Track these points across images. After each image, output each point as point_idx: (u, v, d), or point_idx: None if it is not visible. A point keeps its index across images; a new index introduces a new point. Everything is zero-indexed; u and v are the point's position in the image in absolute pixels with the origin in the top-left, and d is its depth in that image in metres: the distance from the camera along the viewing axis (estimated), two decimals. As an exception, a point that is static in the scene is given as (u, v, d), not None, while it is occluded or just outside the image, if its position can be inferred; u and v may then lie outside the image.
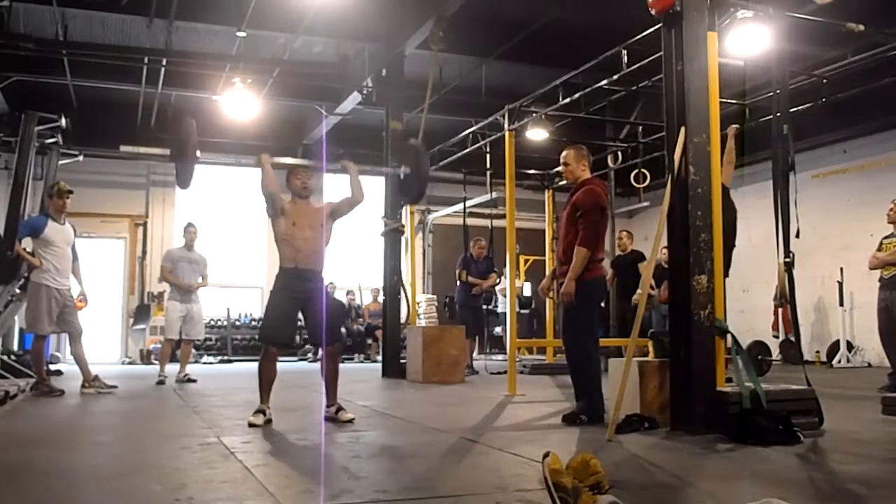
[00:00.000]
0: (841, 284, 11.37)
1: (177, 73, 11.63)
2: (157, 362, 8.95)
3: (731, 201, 5.61)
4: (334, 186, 15.63)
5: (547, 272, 11.37)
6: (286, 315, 4.90)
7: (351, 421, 4.79)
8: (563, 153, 5.21)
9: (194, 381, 8.25)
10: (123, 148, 5.34)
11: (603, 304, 10.30)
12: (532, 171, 11.61)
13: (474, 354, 10.62)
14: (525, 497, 2.73)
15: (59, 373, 9.24)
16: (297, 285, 4.89)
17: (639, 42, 6.47)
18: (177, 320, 8.42)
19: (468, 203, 11.01)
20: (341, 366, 5.22)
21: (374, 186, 10.01)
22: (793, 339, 10.42)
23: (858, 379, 8.83)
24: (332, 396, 4.97)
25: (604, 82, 7.50)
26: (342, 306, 13.82)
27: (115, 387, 7.20)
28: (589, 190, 4.97)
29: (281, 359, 5.37)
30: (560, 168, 5.42)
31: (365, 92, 11.43)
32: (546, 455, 2.59)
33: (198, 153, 4.91)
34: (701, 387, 4.33)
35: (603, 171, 12.36)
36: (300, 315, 4.98)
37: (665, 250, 4.88)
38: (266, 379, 4.86)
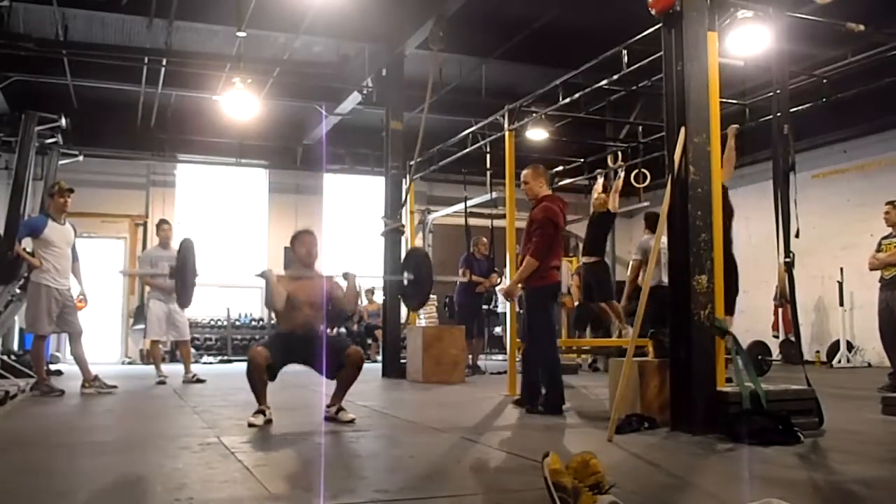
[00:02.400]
0: (841, 284, 11.36)
1: (177, 73, 11.63)
2: (157, 362, 8.95)
3: (727, 202, 5.64)
4: (334, 186, 15.72)
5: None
6: (277, 361, 4.82)
7: (351, 421, 4.79)
8: (523, 172, 5.78)
9: (203, 381, 8.17)
10: (120, 270, 5.36)
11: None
12: (532, 171, 11.60)
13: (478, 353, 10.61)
14: (525, 497, 2.73)
15: (59, 373, 9.24)
16: (292, 345, 4.89)
17: (639, 42, 6.47)
18: (160, 320, 8.35)
19: (468, 203, 11.01)
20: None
21: (375, 186, 10.05)
22: (793, 339, 10.43)
23: (858, 379, 8.83)
24: (339, 398, 4.95)
25: (604, 82, 7.49)
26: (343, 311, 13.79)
27: (114, 387, 7.19)
28: (544, 206, 5.50)
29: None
30: (522, 185, 5.92)
31: (365, 92, 11.43)
32: (546, 455, 2.59)
33: (197, 274, 4.94)
34: (701, 387, 4.32)
35: (603, 172, 12.38)
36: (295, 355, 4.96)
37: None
38: (257, 385, 4.79)
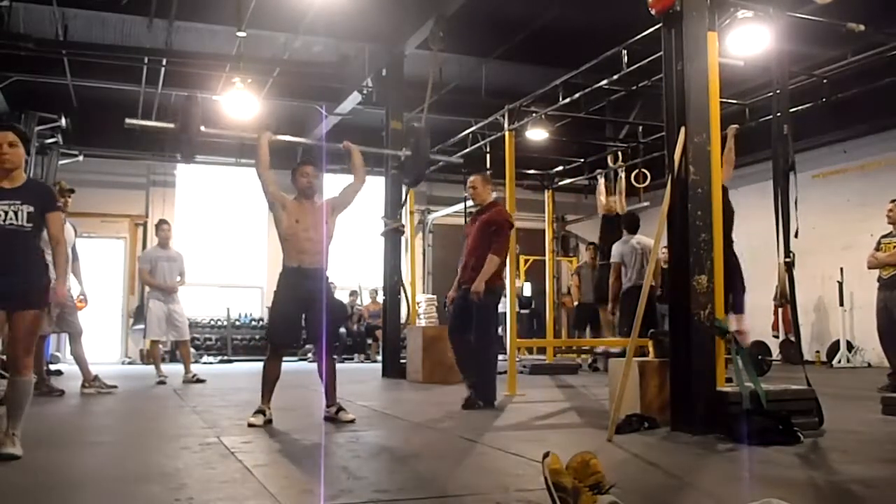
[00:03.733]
0: (841, 284, 11.36)
1: (177, 73, 11.63)
2: (158, 363, 8.96)
3: (728, 201, 5.67)
4: (335, 186, 15.71)
5: (547, 272, 11.50)
6: (291, 315, 4.94)
7: (352, 421, 4.79)
8: (471, 178, 6.08)
9: (203, 381, 8.16)
10: (129, 121, 5.34)
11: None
12: (532, 171, 11.61)
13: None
14: (525, 497, 2.73)
15: (59, 373, 9.23)
16: (301, 285, 4.91)
17: (639, 42, 6.47)
18: (160, 320, 8.35)
19: (468, 203, 11.00)
20: (339, 365, 5.23)
21: (375, 186, 10.04)
22: (793, 339, 10.43)
23: (858, 379, 8.83)
24: (332, 396, 4.97)
25: (604, 82, 7.49)
26: (344, 308, 13.79)
27: (114, 387, 7.20)
28: (500, 210, 5.94)
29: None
30: (469, 190, 6.16)
31: (365, 92, 11.43)
32: (546, 455, 2.59)
33: (202, 128, 4.94)
34: (701, 387, 4.32)
35: (603, 172, 12.40)
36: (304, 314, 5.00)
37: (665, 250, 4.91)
38: (270, 378, 4.88)
